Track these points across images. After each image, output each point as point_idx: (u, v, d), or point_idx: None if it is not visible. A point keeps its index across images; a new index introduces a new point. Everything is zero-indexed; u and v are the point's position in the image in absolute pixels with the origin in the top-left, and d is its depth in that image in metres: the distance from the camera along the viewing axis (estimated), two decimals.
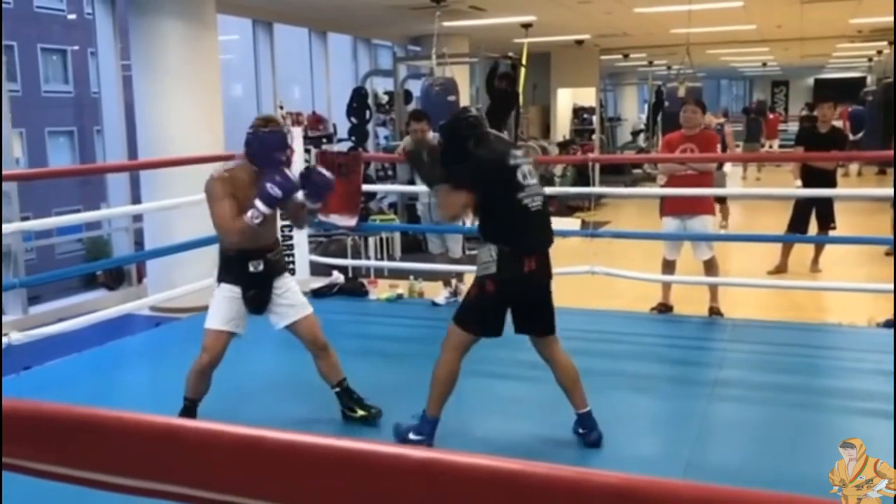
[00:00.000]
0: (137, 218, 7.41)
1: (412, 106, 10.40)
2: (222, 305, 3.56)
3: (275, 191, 3.35)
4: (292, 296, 3.63)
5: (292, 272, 3.79)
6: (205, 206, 6.69)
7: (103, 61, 7.92)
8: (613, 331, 5.35)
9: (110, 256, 8.97)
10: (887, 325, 5.08)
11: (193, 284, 5.79)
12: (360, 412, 3.71)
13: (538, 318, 3.47)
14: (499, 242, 3.32)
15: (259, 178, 3.43)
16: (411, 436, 3.42)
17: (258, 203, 3.35)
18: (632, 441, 3.68)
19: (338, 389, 3.72)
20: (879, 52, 16.45)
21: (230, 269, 3.58)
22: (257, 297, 3.57)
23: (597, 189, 6.59)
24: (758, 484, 0.74)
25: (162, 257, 6.28)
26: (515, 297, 3.39)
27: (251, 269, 3.53)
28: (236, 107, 14.24)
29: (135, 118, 6.86)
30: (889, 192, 6.84)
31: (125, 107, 7.74)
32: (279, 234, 3.78)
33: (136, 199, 7.29)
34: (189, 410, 3.57)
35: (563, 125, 17.23)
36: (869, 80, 20.03)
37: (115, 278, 7.73)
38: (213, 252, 6.39)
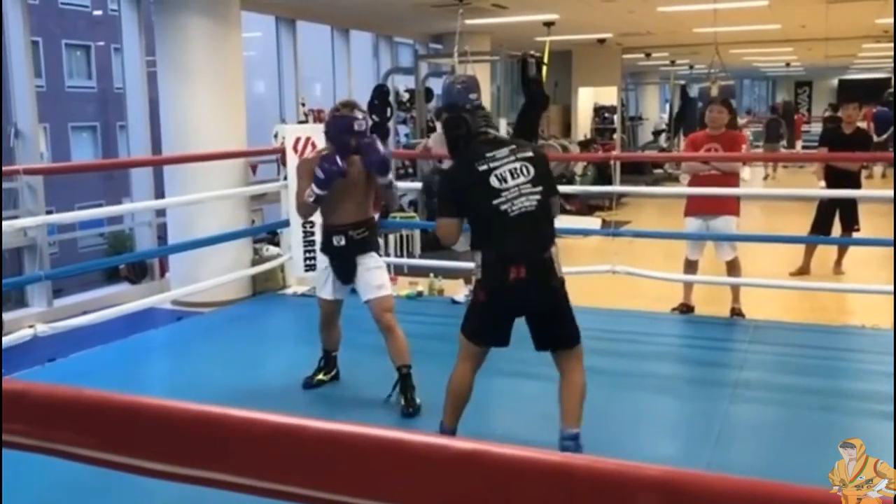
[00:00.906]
0: (160, 212, 7.47)
1: (433, 104, 10.40)
2: (319, 274, 4.20)
3: (318, 173, 3.74)
4: (371, 276, 4.00)
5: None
6: (227, 202, 6.77)
7: (128, 57, 7.99)
8: (635, 331, 5.34)
9: (132, 251, 9.04)
10: None
11: (215, 279, 5.83)
12: (403, 401, 3.88)
13: (552, 330, 3.25)
14: (481, 249, 3.18)
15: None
16: None
17: (312, 185, 3.78)
18: (652, 441, 3.67)
19: (398, 373, 3.91)
20: None
21: (323, 241, 4.10)
22: (342, 268, 4.01)
23: (618, 188, 6.56)
24: None
25: (184, 252, 6.34)
26: (510, 307, 3.19)
27: (334, 242, 3.98)
28: (259, 104, 14.31)
29: (158, 114, 6.91)
30: None
31: (149, 103, 7.80)
32: (367, 216, 4.09)
33: (159, 195, 7.34)
34: (327, 358, 4.27)
35: (584, 124, 17.15)
36: (894, 80, 19.78)
37: (138, 272, 7.79)
38: (234, 247, 6.48)
